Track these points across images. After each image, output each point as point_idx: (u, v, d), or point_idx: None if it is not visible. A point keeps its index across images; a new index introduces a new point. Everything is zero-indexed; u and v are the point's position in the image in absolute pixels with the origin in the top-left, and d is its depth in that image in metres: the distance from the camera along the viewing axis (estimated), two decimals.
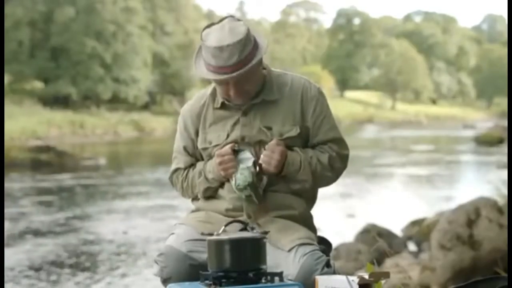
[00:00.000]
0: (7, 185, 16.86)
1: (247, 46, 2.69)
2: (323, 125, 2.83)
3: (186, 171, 2.92)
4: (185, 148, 2.91)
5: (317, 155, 2.81)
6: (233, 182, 2.75)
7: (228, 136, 2.81)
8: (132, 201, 15.57)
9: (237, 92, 2.75)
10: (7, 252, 9.99)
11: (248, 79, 2.73)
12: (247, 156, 2.76)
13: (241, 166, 2.74)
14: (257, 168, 2.74)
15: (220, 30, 2.70)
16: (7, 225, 12.01)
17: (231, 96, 2.77)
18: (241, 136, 2.80)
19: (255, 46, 2.73)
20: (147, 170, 22.29)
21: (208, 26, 2.76)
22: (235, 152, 2.76)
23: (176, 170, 2.94)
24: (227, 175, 2.77)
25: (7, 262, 9.27)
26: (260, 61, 2.77)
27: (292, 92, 2.83)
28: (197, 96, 2.95)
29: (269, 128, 2.79)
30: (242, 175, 2.72)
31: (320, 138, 2.84)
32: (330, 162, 2.82)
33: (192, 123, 2.89)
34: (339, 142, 2.86)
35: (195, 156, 2.91)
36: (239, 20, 2.76)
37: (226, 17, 2.77)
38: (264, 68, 2.84)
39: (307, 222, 2.84)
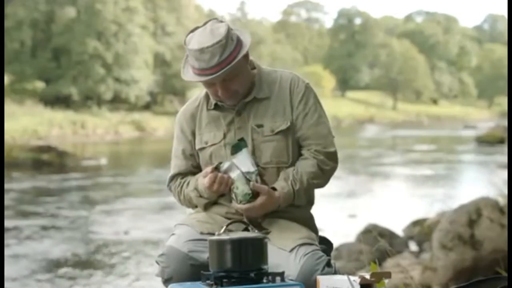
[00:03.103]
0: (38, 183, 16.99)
1: (228, 46, 2.70)
2: (306, 119, 2.82)
3: (180, 185, 2.91)
4: (183, 152, 2.92)
5: (304, 168, 2.79)
6: (234, 197, 2.75)
7: (224, 136, 2.82)
8: (143, 199, 15.61)
9: (225, 92, 2.76)
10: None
11: (234, 79, 2.75)
12: (228, 164, 2.75)
13: (232, 176, 2.74)
14: (248, 177, 2.75)
15: (202, 33, 2.73)
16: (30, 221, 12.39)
17: (220, 97, 2.79)
18: (238, 139, 2.82)
19: (238, 44, 2.74)
20: (151, 169, 22.29)
21: (193, 31, 2.79)
22: (217, 169, 2.76)
23: (173, 178, 2.94)
24: (227, 190, 2.78)
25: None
26: (245, 60, 2.79)
27: (281, 88, 2.84)
28: (192, 99, 2.97)
29: (261, 126, 2.80)
30: (239, 189, 2.73)
31: (304, 132, 2.82)
32: (320, 167, 2.81)
33: (187, 125, 2.90)
34: (325, 138, 2.83)
35: (193, 158, 2.91)
36: (221, 21, 2.77)
37: (210, 20, 2.79)
38: (254, 68, 2.86)
39: (309, 223, 2.85)
